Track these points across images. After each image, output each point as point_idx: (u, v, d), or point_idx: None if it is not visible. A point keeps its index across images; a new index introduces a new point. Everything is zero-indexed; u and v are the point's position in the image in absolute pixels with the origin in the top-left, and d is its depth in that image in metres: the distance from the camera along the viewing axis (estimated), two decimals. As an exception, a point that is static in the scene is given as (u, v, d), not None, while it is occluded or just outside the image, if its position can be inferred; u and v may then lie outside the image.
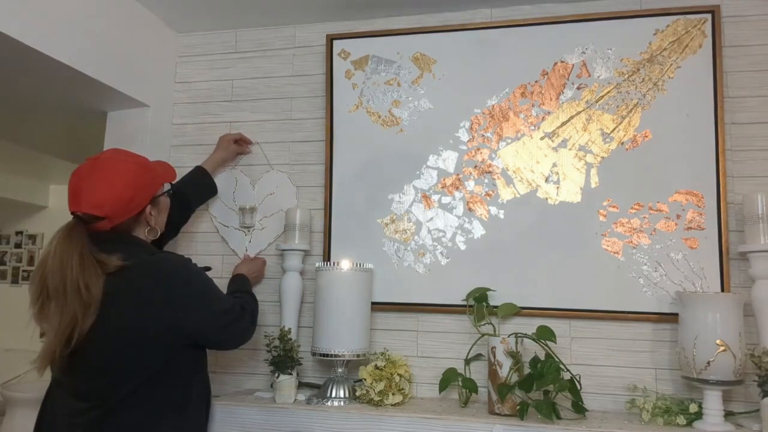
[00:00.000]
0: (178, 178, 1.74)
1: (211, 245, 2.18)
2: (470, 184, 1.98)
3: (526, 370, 1.67)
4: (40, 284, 1.29)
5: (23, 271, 5.51)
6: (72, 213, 1.37)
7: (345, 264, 1.85)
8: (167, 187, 1.57)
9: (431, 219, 2.00)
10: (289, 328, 1.87)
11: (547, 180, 1.92)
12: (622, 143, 1.88)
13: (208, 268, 1.61)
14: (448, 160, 2.00)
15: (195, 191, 2.01)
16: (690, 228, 1.80)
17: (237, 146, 2.15)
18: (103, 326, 1.29)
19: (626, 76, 1.90)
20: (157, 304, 1.34)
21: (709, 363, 1.54)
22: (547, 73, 1.96)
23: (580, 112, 1.92)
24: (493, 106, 1.99)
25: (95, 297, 1.27)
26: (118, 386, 1.33)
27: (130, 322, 1.32)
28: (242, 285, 1.83)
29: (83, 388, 1.34)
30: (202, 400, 1.52)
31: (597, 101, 1.91)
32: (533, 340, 1.71)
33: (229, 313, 1.49)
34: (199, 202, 2.07)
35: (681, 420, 1.58)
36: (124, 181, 1.40)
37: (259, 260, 2.08)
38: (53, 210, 5.52)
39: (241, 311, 1.55)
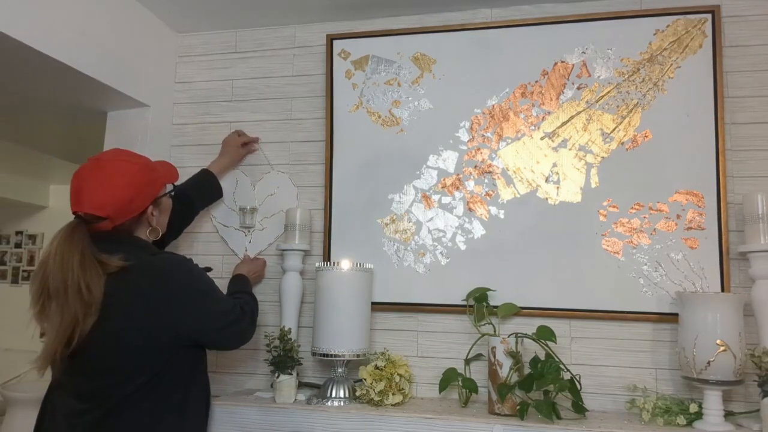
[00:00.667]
0: (180, 180, 1.74)
1: (212, 245, 2.18)
2: (470, 184, 1.98)
3: (526, 370, 1.68)
4: (41, 284, 1.29)
5: (23, 271, 5.51)
6: (74, 213, 1.37)
7: (345, 264, 1.85)
8: (169, 187, 1.57)
9: (431, 219, 2.00)
10: (289, 328, 1.88)
11: (547, 180, 1.92)
12: (622, 143, 1.88)
13: (209, 269, 1.61)
14: (448, 160, 2.00)
15: (200, 194, 2.01)
16: (690, 228, 1.80)
17: (245, 149, 2.16)
18: (103, 327, 1.29)
19: (626, 76, 1.90)
20: (158, 305, 1.34)
21: (709, 363, 1.54)
22: (547, 73, 1.96)
23: (580, 112, 1.92)
24: (493, 106, 1.99)
25: (96, 297, 1.27)
26: (118, 387, 1.33)
27: (130, 322, 1.32)
28: (242, 285, 1.82)
29: (84, 388, 1.34)
30: (201, 400, 1.52)
31: (597, 101, 1.91)
32: (533, 340, 1.71)
33: (229, 315, 1.49)
34: (204, 205, 2.06)
35: (681, 420, 1.58)
36: (126, 181, 1.40)
37: (260, 260, 2.08)
38: (53, 210, 5.53)
39: (241, 312, 1.55)
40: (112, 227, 1.38)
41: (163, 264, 1.41)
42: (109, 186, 1.38)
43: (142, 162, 1.49)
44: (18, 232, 5.64)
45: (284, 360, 1.79)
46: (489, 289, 1.86)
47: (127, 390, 1.33)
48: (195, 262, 1.48)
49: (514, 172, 1.95)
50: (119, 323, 1.31)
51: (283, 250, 2.01)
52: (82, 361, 1.31)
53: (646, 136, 1.87)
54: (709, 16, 1.85)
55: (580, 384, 1.66)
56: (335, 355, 1.80)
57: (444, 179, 2.00)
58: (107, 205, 1.36)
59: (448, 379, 1.80)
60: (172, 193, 1.59)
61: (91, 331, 1.28)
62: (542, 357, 1.67)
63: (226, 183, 2.17)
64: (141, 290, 1.34)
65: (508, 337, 1.70)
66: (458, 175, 1.99)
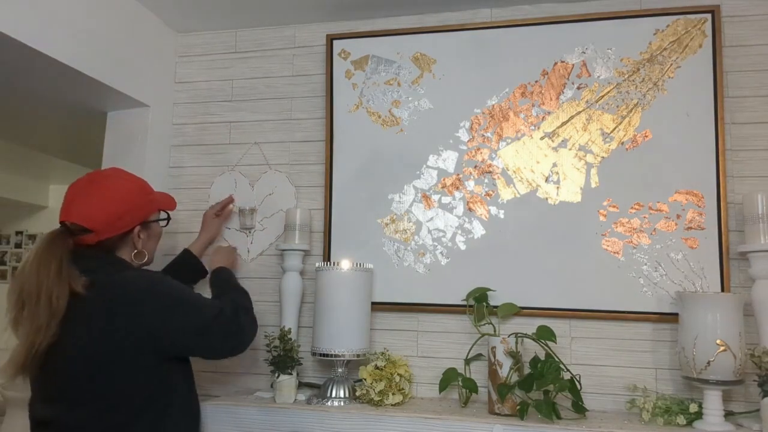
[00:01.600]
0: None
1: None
2: (470, 184, 1.98)
3: (526, 370, 1.67)
4: (18, 290, 1.26)
5: (23, 271, 5.51)
6: (61, 222, 1.36)
7: (345, 264, 1.85)
8: (163, 215, 1.57)
9: (431, 219, 2.00)
10: (289, 328, 1.87)
11: (547, 180, 1.92)
12: (622, 143, 1.88)
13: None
14: (448, 160, 2.00)
15: (179, 275, 1.82)
16: (690, 228, 1.80)
17: (220, 219, 2.09)
18: (77, 350, 1.26)
19: (626, 76, 1.90)
20: (134, 321, 1.29)
21: (709, 363, 1.54)
22: (547, 73, 1.96)
23: (580, 112, 1.92)
24: (493, 106, 1.99)
25: (60, 310, 1.24)
26: (105, 417, 1.27)
27: (106, 341, 1.27)
28: (229, 280, 1.73)
29: (66, 425, 1.29)
30: (189, 417, 1.47)
31: (597, 101, 1.91)
32: (533, 340, 1.71)
33: (218, 318, 1.41)
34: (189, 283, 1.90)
35: (681, 420, 1.58)
36: (119, 197, 1.40)
37: (231, 248, 2.04)
38: (53, 210, 5.53)
39: (234, 312, 1.46)
40: (96, 241, 1.36)
41: (134, 278, 1.35)
42: (100, 199, 1.37)
43: (139, 183, 1.49)
44: (18, 232, 5.64)
45: (284, 360, 1.79)
46: (489, 289, 1.86)
47: (116, 420, 1.28)
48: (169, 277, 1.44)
49: (514, 172, 1.95)
50: (94, 346, 1.26)
51: (283, 250, 2.01)
52: (59, 388, 1.27)
53: (646, 136, 1.87)
54: (709, 16, 1.85)
55: (580, 384, 1.66)
56: (335, 355, 1.80)
57: (444, 179, 2.00)
58: (95, 218, 1.35)
59: (448, 379, 1.80)
60: (165, 223, 1.58)
61: (65, 354, 1.25)
62: (542, 357, 1.67)
63: (224, 185, 2.18)
64: (114, 308, 1.28)
65: (508, 337, 1.70)
66: (458, 175, 1.99)
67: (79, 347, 1.27)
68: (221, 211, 2.08)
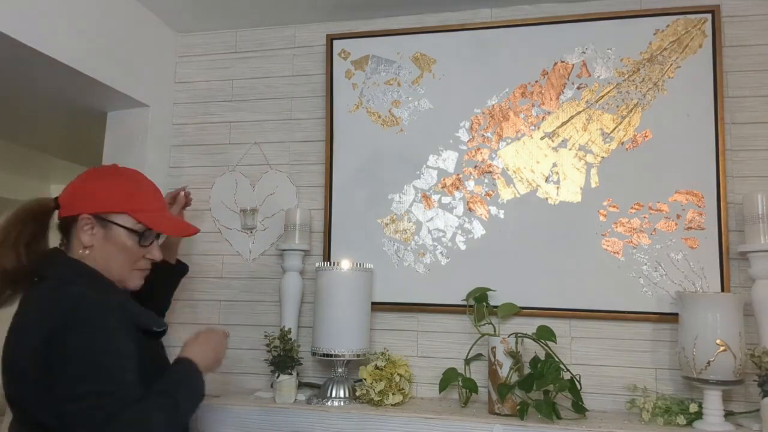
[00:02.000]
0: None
1: (210, 245, 2.17)
2: (470, 184, 1.98)
3: (526, 370, 1.68)
4: None
5: (23, 271, 5.49)
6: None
7: (345, 264, 1.85)
8: (136, 226, 1.27)
9: (431, 219, 2.00)
10: (289, 328, 1.88)
11: (547, 180, 1.92)
12: (622, 143, 1.88)
13: (161, 326, 1.31)
14: (448, 160, 2.00)
15: (163, 280, 1.63)
16: (690, 228, 1.80)
17: (177, 206, 1.76)
18: (5, 355, 1.18)
19: (626, 76, 1.90)
20: (43, 354, 1.09)
21: (709, 363, 1.54)
22: (547, 73, 1.96)
23: (580, 112, 1.92)
24: (493, 106, 1.99)
25: (3, 269, 1.19)
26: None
27: (21, 360, 1.14)
28: (180, 383, 1.21)
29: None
30: None
31: (597, 101, 1.91)
32: (533, 340, 1.71)
33: (101, 398, 1.04)
34: (168, 288, 1.72)
35: (681, 420, 1.58)
36: (92, 180, 1.30)
37: (219, 335, 1.40)
38: (53, 210, 5.50)
39: (140, 414, 1.06)
40: (60, 217, 1.27)
41: (68, 304, 1.13)
42: (84, 180, 1.31)
43: (133, 179, 1.34)
44: (18, 232, 5.62)
45: (284, 360, 1.79)
46: (489, 289, 1.86)
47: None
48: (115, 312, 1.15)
49: (514, 172, 1.95)
50: (15, 357, 1.16)
51: (283, 250, 2.01)
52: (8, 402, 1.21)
53: (646, 136, 1.87)
54: (709, 15, 1.85)
55: (580, 384, 1.66)
56: (335, 355, 1.80)
57: (444, 179, 2.00)
58: (65, 192, 1.29)
59: (448, 379, 1.80)
60: (136, 238, 1.27)
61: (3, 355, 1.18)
62: (542, 357, 1.67)
63: (225, 185, 2.18)
64: (37, 329, 1.12)
65: (508, 337, 1.70)
66: (458, 175, 1.99)
67: (6, 353, 1.18)
68: (174, 200, 1.77)
